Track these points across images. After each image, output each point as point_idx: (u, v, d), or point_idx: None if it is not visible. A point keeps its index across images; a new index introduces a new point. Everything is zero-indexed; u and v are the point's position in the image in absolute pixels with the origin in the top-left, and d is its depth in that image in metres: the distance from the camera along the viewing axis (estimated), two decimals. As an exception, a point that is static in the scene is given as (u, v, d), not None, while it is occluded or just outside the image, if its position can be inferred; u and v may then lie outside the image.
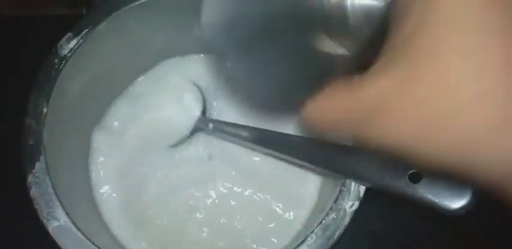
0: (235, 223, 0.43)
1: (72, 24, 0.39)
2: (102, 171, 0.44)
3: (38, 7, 0.54)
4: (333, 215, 0.33)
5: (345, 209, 0.33)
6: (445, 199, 0.28)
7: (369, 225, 0.44)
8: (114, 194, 0.44)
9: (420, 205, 0.29)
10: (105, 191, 0.44)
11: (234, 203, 0.43)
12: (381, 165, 0.30)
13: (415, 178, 0.29)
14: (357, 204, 0.33)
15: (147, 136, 0.46)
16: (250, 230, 0.43)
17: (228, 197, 0.44)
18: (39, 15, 0.54)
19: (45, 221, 0.33)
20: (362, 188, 0.33)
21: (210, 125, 0.44)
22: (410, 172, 0.29)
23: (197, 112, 0.47)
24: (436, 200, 0.28)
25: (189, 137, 0.46)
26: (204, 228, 0.43)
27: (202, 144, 0.46)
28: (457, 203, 0.27)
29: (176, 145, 0.46)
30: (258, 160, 0.44)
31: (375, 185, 0.31)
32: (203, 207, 0.43)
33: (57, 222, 0.33)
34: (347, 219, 0.33)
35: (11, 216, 0.43)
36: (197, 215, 0.43)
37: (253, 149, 0.43)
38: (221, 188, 0.44)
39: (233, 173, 0.44)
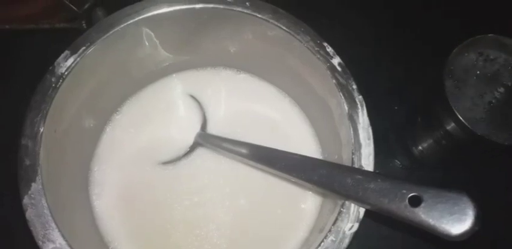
0: (233, 240, 0.42)
1: (72, 38, 0.39)
2: (102, 188, 0.44)
3: (38, 21, 0.54)
4: (331, 238, 0.32)
5: (344, 232, 0.32)
6: (446, 224, 0.27)
7: (367, 242, 0.44)
8: (115, 211, 0.44)
9: (420, 229, 0.28)
10: (106, 209, 0.43)
11: (231, 220, 0.43)
12: (381, 188, 0.30)
13: (415, 202, 0.28)
14: (356, 226, 0.32)
15: (147, 152, 0.46)
16: (247, 247, 0.42)
17: (225, 214, 0.43)
18: (39, 29, 0.54)
19: (40, 243, 0.32)
20: (362, 210, 0.33)
21: (210, 141, 0.44)
22: (410, 195, 0.28)
23: (197, 127, 0.46)
24: (436, 225, 0.27)
25: (189, 152, 0.45)
26: (206, 246, 0.42)
27: (203, 159, 0.46)
28: (457, 228, 0.26)
29: (176, 160, 0.45)
30: (257, 177, 0.44)
31: (374, 208, 0.31)
32: (204, 224, 0.43)
33: (53, 244, 0.32)
34: (346, 242, 0.32)
35: (7, 237, 0.43)
36: (197, 231, 0.43)
37: (251, 166, 0.43)
38: (219, 205, 0.43)
39: (231, 190, 0.44)
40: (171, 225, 0.43)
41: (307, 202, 0.43)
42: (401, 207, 0.28)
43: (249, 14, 0.39)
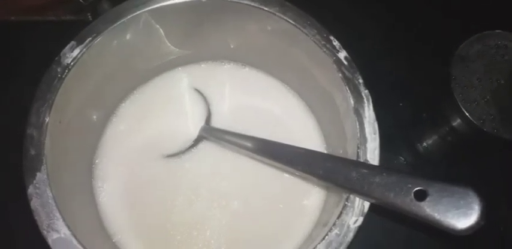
0: (239, 235, 0.42)
1: (77, 30, 0.39)
2: (105, 181, 0.44)
3: (43, 13, 0.54)
4: (336, 231, 0.32)
5: (348, 225, 0.32)
6: (451, 219, 0.27)
7: (371, 236, 0.44)
8: (118, 204, 0.44)
9: (425, 223, 0.28)
10: (109, 201, 0.43)
11: (236, 215, 0.43)
12: (386, 182, 0.30)
13: (421, 196, 0.28)
14: (361, 220, 0.32)
15: (151, 145, 0.46)
16: (253, 241, 0.42)
17: (230, 208, 0.43)
18: (45, 21, 0.54)
19: (45, 232, 0.32)
20: (366, 204, 0.33)
21: (214, 134, 0.44)
22: (416, 189, 0.28)
23: (201, 121, 0.46)
24: (442, 220, 0.27)
25: (193, 145, 0.45)
26: (212, 241, 0.42)
27: (206, 153, 0.46)
28: (463, 223, 0.26)
29: (180, 153, 0.45)
30: (261, 171, 0.43)
31: (379, 202, 0.30)
32: (206, 220, 0.43)
33: (57, 234, 0.32)
34: (350, 236, 0.32)
35: (12, 227, 0.43)
36: (199, 227, 0.43)
37: (256, 160, 0.43)
38: (224, 199, 0.43)
39: (236, 183, 0.44)
40: (174, 218, 0.43)
41: (310, 198, 0.43)
42: (406, 202, 0.28)
43: (255, 7, 0.39)
